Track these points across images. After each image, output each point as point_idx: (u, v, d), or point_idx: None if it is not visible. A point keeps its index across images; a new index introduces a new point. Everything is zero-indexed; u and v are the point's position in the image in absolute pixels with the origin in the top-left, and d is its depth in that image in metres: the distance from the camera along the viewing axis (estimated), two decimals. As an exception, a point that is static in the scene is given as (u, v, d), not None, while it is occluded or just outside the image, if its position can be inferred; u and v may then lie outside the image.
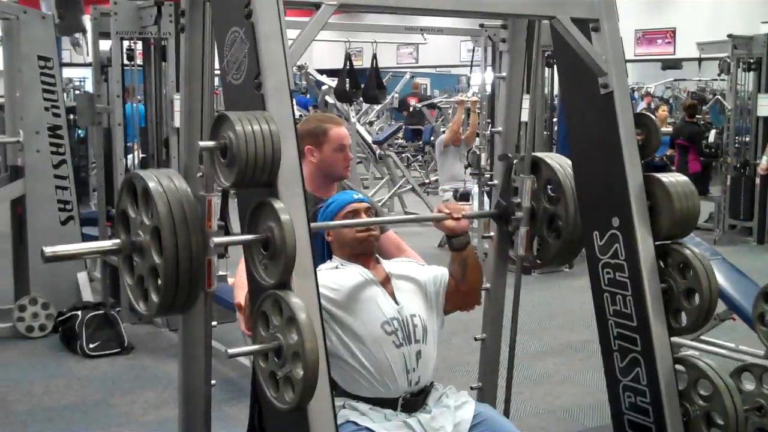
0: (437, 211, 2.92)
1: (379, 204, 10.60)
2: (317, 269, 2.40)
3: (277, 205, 2.16)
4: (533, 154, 3.08)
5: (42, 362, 5.54)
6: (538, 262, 3.17)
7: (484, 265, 3.13)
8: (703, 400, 2.91)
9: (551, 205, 3.07)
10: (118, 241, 2.35)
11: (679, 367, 2.93)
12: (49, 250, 2.25)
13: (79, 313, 5.75)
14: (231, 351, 2.24)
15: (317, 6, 2.38)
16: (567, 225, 3.01)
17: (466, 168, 9.56)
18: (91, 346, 5.62)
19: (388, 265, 2.93)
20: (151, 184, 2.21)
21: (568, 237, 3.02)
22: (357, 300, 2.76)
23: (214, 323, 2.69)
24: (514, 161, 3.09)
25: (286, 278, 2.18)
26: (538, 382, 5.28)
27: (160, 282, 2.24)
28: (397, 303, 2.80)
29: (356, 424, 2.65)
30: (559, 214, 3.04)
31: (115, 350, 5.67)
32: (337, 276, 2.81)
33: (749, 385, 3.30)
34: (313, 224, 2.56)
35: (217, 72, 2.62)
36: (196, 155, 2.62)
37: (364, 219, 2.91)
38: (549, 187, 3.07)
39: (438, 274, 2.95)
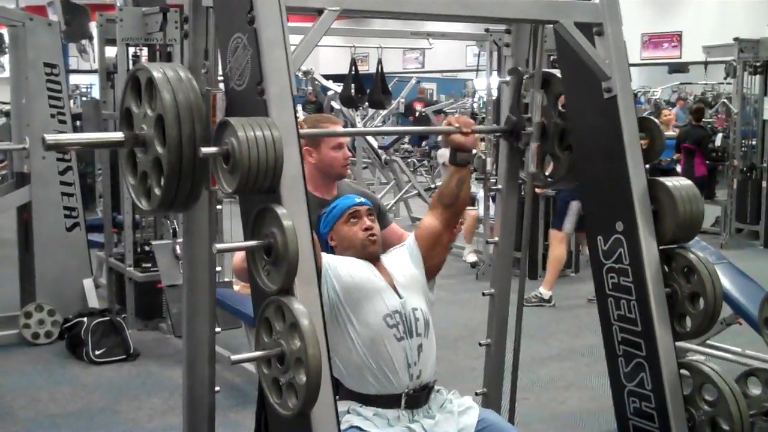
0: (447, 124, 2.92)
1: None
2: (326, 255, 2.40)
3: (280, 211, 2.16)
4: (544, 69, 3.05)
5: (48, 369, 5.55)
6: (549, 180, 3.15)
7: (489, 272, 3.12)
8: (708, 405, 2.89)
9: (562, 121, 3.03)
10: (121, 134, 2.29)
11: (684, 372, 2.92)
12: (50, 137, 2.20)
13: (85, 319, 5.75)
14: (234, 357, 2.24)
15: (320, 11, 2.38)
16: (577, 162, 2.98)
17: (472, 173, 9.53)
18: (96, 352, 5.62)
19: (388, 264, 2.94)
20: (156, 74, 2.18)
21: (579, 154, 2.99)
22: (362, 289, 2.78)
23: (218, 329, 2.70)
24: (525, 76, 3.05)
25: (289, 284, 2.18)
26: (543, 388, 5.27)
27: (163, 176, 2.19)
28: (400, 297, 2.82)
29: (360, 429, 2.65)
30: (569, 128, 3.01)
31: (121, 357, 5.68)
32: (347, 262, 2.84)
33: (755, 390, 3.28)
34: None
35: (221, 78, 2.62)
36: (201, 55, 2.59)
37: (345, 129, 2.91)
38: (559, 101, 3.04)
39: (410, 246, 2.98)
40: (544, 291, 7.31)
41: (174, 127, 2.14)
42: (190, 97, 2.18)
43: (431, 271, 3.00)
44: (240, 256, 3.12)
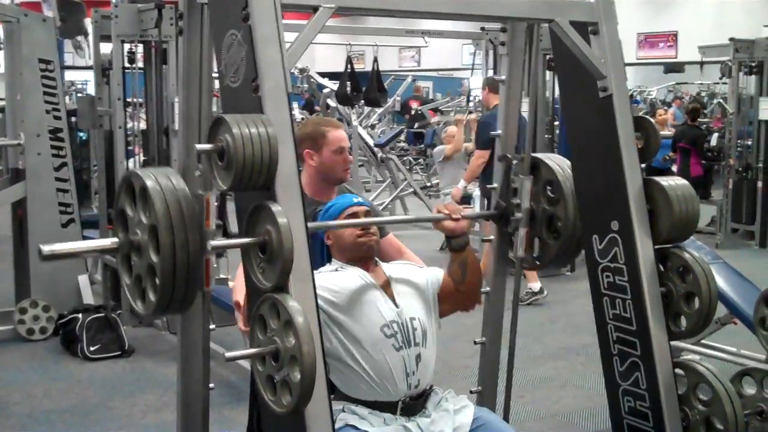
0: (436, 211, 2.91)
1: (381, 207, 10.60)
2: (317, 272, 2.40)
3: (275, 208, 2.16)
4: (532, 155, 3.08)
5: (42, 365, 5.54)
6: (538, 263, 3.16)
7: (484, 269, 3.12)
8: (702, 404, 2.90)
9: (551, 206, 3.05)
10: (116, 239, 2.33)
11: (678, 371, 2.92)
12: (47, 248, 2.22)
13: (80, 315, 5.74)
14: (228, 354, 2.24)
15: (315, 9, 2.38)
16: (566, 226, 3.00)
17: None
18: (91, 349, 5.61)
19: (387, 268, 2.92)
20: (149, 183, 2.20)
21: (567, 238, 3.01)
22: (357, 303, 2.76)
23: (212, 326, 2.69)
24: (514, 162, 3.08)
25: (284, 281, 2.18)
26: (538, 386, 5.27)
27: (157, 281, 2.22)
28: (396, 306, 2.80)
29: (355, 428, 2.65)
30: (558, 215, 3.03)
31: (116, 353, 5.67)
32: (337, 279, 2.81)
33: (750, 390, 3.29)
34: (311, 224, 2.56)
35: (216, 75, 2.61)
36: (195, 155, 2.62)
37: (363, 219, 2.90)
38: (548, 188, 3.06)
39: (433, 276, 2.95)
40: (533, 285, 7.32)
41: (167, 237, 2.17)
42: (182, 206, 2.20)
43: (440, 312, 2.97)
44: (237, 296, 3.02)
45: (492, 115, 7.44)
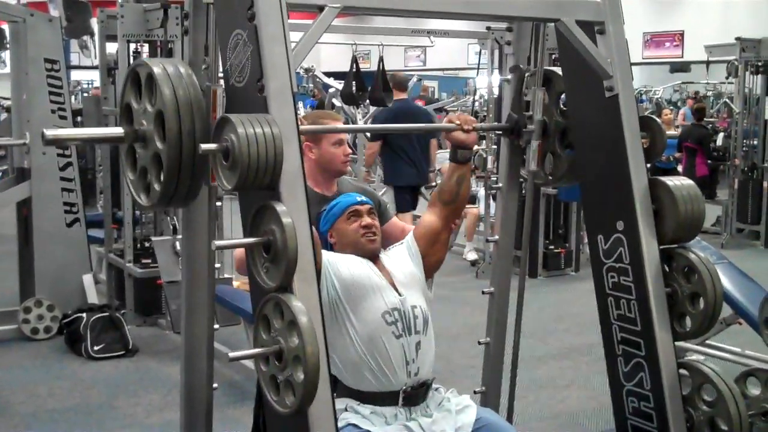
0: (448, 122, 2.92)
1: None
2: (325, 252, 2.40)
3: (279, 208, 2.15)
4: (545, 67, 3.04)
5: (46, 364, 5.55)
6: (550, 178, 3.14)
7: (489, 270, 3.11)
8: (707, 405, 2.89)
9: (563, 119, 3.03)
10: (121, 129, 2.29)
11: (683, 372, 2.91)
12: (50, 132, 2.18)
13: (84, 315, 5.75)
14: (232, 355, 2.23)
15: (320, 8, 2.38)
16: (578, 161, 2.98)
17: (473, 171, 9.53)
18: (95, 348, 5.62)
19: (387, 262, 2.93)
20: (156, 69, 2.16)
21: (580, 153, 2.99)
22: (361, 287, 2.78)
23: (216, 326, 2.70)
24: (526, 74, 3.05)
25: (288, 281, 2.18)
26: (542, 386, 5.26)
27: (162, 172, 2.18)
28: (400, 294, 2.81)
29: (357, 427, 2.65)
30: (571, 127, 3.00)
31: (120, 352, 5.68)
32: (346, 259, 2.84)
33: (755, 390, 3.28)
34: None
35: (221, 75, 2.61)
36: (201, 51, 2.59)
37: (348, 125, 2.91)
38: (561, 100, 3.03)
39: (410, 246, 2.98)
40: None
41: (174, 122, 2.13)
42: (190, 93, 2.16)
43: (430, 268, 2.99)
44: (240, 252, 3.12)
45: (385, 109, 7.95)
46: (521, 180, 3.25)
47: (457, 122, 2.88)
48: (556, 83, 3.04)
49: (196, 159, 2.17)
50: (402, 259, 2.96)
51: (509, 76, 3.15)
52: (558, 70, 3.06)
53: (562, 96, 3.06)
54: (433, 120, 9.19)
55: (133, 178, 2.30)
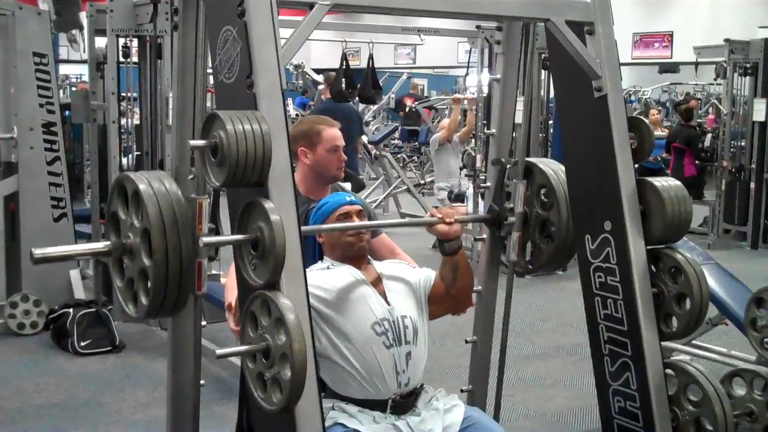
0: (430, 215, 2.91)
1: (374, 204, 10.60)
2: (308, 270, 2.39)
3: (267, 205, 2.15)
4: (527, 159, 3.08)
5: (33, 360, 5.53)
6: (530, 267, 3.16)
7: (476, 268, 3.12)
8: (692, 405, 2.90)
9: (544, 211, 3.06)
10: (108, 243, 2.33)
11: (669, 371, 2.93)
12: (38, 252, 2.23)
13: (71, 310, 5.73)
14: (219, 352, 2.23)
15: (310, 5, 2.37)
16: (559, 231, 3.01)
17: (461, 169, 9.56)
18: (82, 344, 5.60)
19: (379, 266, 2.92)
20: (142, 187, 2.20)
21: (560, 243, 3.02)
22: (347, 300, 2.75)
23: (204, 323, 2.69)
24: (508, 166, 3.08)
25: (275, 279, 2.17)
26: (529, 386, 5.27)
27: (149, 284, 2.23)
28: (388, 304, 2.80)
29: (344, 426, 2.64)
30: (551, 219, 3.03)
31: (107, 348, 5.65)
32: (328, 276, 2.80)
33: (740, 391, 3.30)
34: (304, 228, 2.55)
35: (210, 71, 2.61)
36: (188, 157, 2.61)
37: (356, 223, 2.90)
38: (542, 192, 3.06)
39: (425, 276, 2.95)
40: None
41: (160, 241, 2.17)
42: (175, 210, 2.20)
43: (430, 314, 2.96)
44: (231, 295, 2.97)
45: (316, 109, 8.38)
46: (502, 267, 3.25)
47: (439, 216, 2.86)
48: (537, 175, 3.06)
49: (182, 274, 2.21)
50: (404, 272, 2.94)
51: (498, 76, 3.15)
52: (537, 161, 3.10)
53: (544, 187, 3.07)
54: (362, 118, 9.44)
55: (121, 287, 2.34)
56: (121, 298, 2.36)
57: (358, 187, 8.33)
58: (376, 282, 2.85)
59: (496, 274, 3.24)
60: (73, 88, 15.35)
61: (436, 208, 2.98)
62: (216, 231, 2.35)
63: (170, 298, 2.23)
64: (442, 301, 2.93)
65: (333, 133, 3.28)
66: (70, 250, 2.46)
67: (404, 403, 2.76)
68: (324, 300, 2.73)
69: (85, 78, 8.27)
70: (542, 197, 3.07)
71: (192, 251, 2.23)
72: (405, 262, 3.10)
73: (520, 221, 3.05)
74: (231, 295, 2.84)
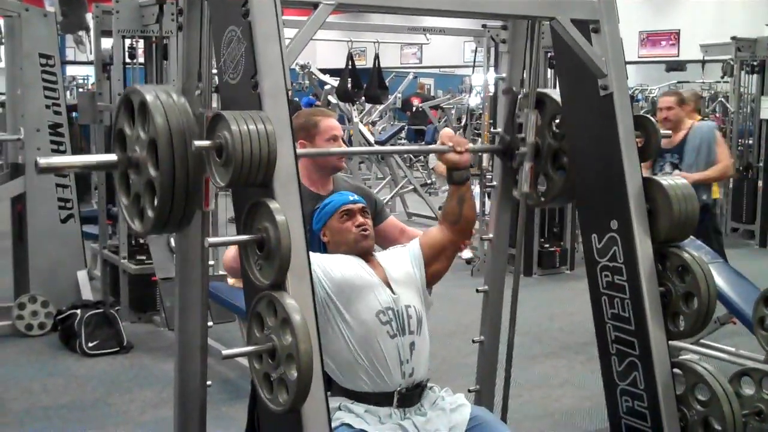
0: (441, 143, 2.91)
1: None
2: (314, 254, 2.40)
3: (273, 205, 2.15)
4: (538, 89, 3.03)
5: (40, 360, 5.54)
6: (542, 199, 3.14)
7: (483, 268, 3.11)
8: (701, 404, 2.89)
9: (556, 141, 3.02)
10: (114, 156, 2.30)
11: (677, 371, 2.91)
12: (43, 161, 2.19)
13: (79, 311, 5.74)
14: (225, 352, 2.23)
15: (315, 5, 2.37)
16: (572, 160, 2.97)
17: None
18: (90, 344, 5.61)
19: (382, 259, 2.93)
20: (149, 97, 2.17)
21: (572, 173, 2.99)
22: (353, 287, 2.76)
23: (210, 323, 2.69)
24: (519, 96, 3.04)
25: (281, 279, 2.17)
26: (536, 385, 5.26)
27: (156, 197, 2.19)
28: (393, 292, 2.80)
29: (351, 426, 2.64)
30: (563, 149, 3.00)
31: (114, 349, 5.67)
32: (336, 259, 2.82)
33: (749, 390, 3.28)
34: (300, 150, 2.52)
35: (215, 71, 2.61)
36: (195, 76, 2.59)
37: (349, 149, 2.91)
38: (554, 122, 3.03)
39: (413, 250, 2.97)
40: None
41: (167, 151, 2.14)
42: (182, 121, 2.17)
43: (430, 279, 2.98)
44: (230, 254, 3.11)
45: None
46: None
47: (450, 144, 2.87)
48: (549, 105, 3.03)
49: (189, 186, 2.18)
50: (401, 259, 2.95)
51: (504, 75, 3.15)
52: (550, 91, 3.07)
53: (556, 118, 3.05)
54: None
55: (127, 203, 2.31)
56: (126, 215, 2.31)
57: None
58: (381, 273, 2.86)
59: (508, 209, 3.19)
60: (80, 90, 15.40)
61: (446, 134, 2.97)
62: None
63: (177, 211, 2.19)
64: (442, 250, 2.96)
65: (330, 123, 3.29)
66: (75, 161, 2.42)
67: (410, 395, 2.75)
68: (332, 279, 2.73)
69: (93, 79, 8.27)
70: (554, 127, 3.03)
71: (199, 163, 2.19)
72: (401, 245, 3.10)
73: (531, 151, 3.00)
74: (230, 255, 3.03)
